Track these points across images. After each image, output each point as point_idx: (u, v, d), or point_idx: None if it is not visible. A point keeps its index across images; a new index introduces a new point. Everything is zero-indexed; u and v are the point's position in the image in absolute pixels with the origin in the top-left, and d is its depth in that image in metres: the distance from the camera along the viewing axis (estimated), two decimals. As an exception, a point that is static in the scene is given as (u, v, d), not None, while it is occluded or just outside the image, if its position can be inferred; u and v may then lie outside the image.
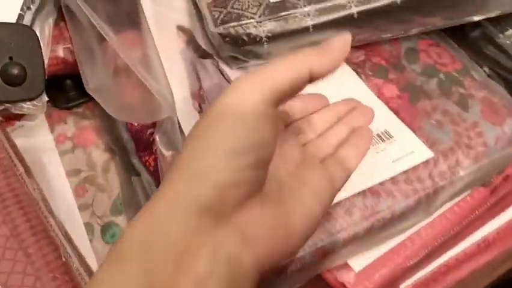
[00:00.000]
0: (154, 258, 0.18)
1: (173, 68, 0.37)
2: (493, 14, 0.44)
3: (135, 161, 0.35)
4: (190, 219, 0.19)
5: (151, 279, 0.18)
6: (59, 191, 0.35)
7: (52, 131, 0.38)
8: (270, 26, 0.38)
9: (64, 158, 0.37)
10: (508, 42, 0.46)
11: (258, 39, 0.38)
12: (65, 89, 0.40)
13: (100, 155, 0.37)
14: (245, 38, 0.37)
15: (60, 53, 0.39)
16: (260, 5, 0.38)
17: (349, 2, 0.39)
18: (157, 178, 0.34)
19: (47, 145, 0.37)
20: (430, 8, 0.42)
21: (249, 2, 0.39)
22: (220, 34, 0.38)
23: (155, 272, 0.18)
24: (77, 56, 0.35)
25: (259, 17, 0.38)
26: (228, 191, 0.19)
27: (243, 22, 0.38)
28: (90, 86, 0.33)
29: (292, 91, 0.22)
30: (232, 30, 0.37)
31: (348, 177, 0.27)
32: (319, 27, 0.39)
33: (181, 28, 0.41)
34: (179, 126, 0.35)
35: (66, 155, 0.37)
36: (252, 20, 0.38)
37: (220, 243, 0.19)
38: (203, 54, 0.41)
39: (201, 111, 0.37)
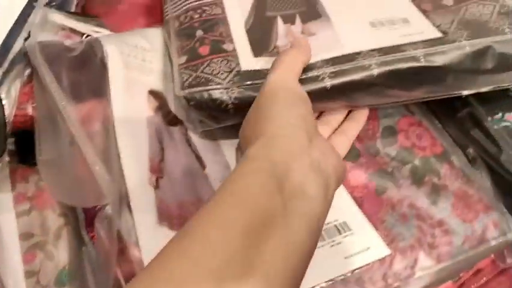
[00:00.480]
0: (276, 156, 0.27)
1: (135, 139, 0.37)
2: (484, 89, 0.40)
3: (84, 233, 0.35)
4: (296, 130, 0.29)
5: (274, 168, 0.26)
6: (10, 254, 0.36)
7: (13, 188, 0.38)
8: (237, 93, 0.36)
9: (19, 220, 0.37)
10: (495, 127, 0.43)
11: (223, 106, 0.36)
12: (32, 145, 0.40)
13: (55, 219, 0.37)
14: (210, 103, 0.36)
15: (30, 110, 0.39)
16: (231, 71, 0.37)
17: (322, 74, 0.36)
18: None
19: (7, 204, 0.38)
20: (412, 81, 0.38)
21: (220, 67, 0.38)
22: (185, 97, 0.37)
23: (278, 164, 0.26)
24: (36, 123, 0.35)
25: (228, 83, 0.36)
26: (309, 118, 0.30)
27: (210, 87, 0.36)
28: (42, 156, 0.33)
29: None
30: (197, 95, 0.36)
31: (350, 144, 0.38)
32: None
33: (153, 93, 0.41)
34: (129, 204, 0.35)
35: (22, 217, 0.37)
36: (218, 86, 0.36)
37: (312, 155, 0.28)
38: (172, 121, 0.41)
39: (157, 186, 0.37)
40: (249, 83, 0.36)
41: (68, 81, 0.35)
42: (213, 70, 0.37)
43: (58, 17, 0.39)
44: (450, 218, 0.38)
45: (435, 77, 0.37)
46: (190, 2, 0.43)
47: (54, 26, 0.40)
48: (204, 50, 0.39)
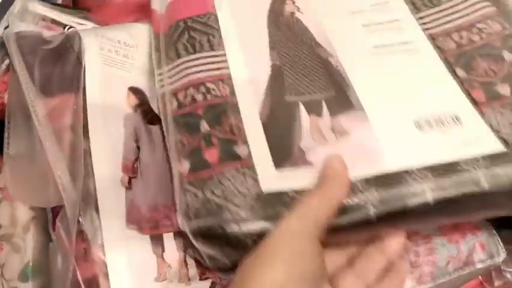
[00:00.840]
0: None
1: (109, 136, 0.36)
2: None
3: (51, 230, 0.34)
4: None
5: None
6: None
7: (-14, 179, 0.38)
8: (258, 225, 0.28)
9: (-12, 210, 0.37)
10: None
11: (241, 240, 0.29)
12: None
13: (24, 212, 0.36)
14: (224, 239, 0.29)
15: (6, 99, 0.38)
16: (249, 192, 0.29)
17: (365, 201, 0.29)
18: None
19: (-22, 194, 0.37)
20: (472, 206, 0.30)
21: (234, 186, 0.30)
22: (191, 231, 0.30)
23: None
24: (7, 115, 0.34)
25: (246, 212, 0.29)
26: None
27: (224, 219, 0.29)
28: (10, 150, 0.32)
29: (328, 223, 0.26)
30: (206, 229, 0.29)
31: None
32: (329, 231, 0.28)
33: (132, 90, 0.40)
34: (96, 204, 0.34)
35: (-8, 208, 0.37)
36: (235, 217, 0.29)
37: None
38: (152, 120, 0.39)
39: (129, 187, 0.35)
40: (271, 212, 0.29)
41: (41, 73, 0.34)
42: (225, 191, 0.30)
43: (39, 8, 0.39)
44: (435, 235, 0.36)
45: (500, 200, 0.30)
46: (191, 73, 0.35)
47: (35, 17, 0.39)
48: (212, 155, 0.32)
